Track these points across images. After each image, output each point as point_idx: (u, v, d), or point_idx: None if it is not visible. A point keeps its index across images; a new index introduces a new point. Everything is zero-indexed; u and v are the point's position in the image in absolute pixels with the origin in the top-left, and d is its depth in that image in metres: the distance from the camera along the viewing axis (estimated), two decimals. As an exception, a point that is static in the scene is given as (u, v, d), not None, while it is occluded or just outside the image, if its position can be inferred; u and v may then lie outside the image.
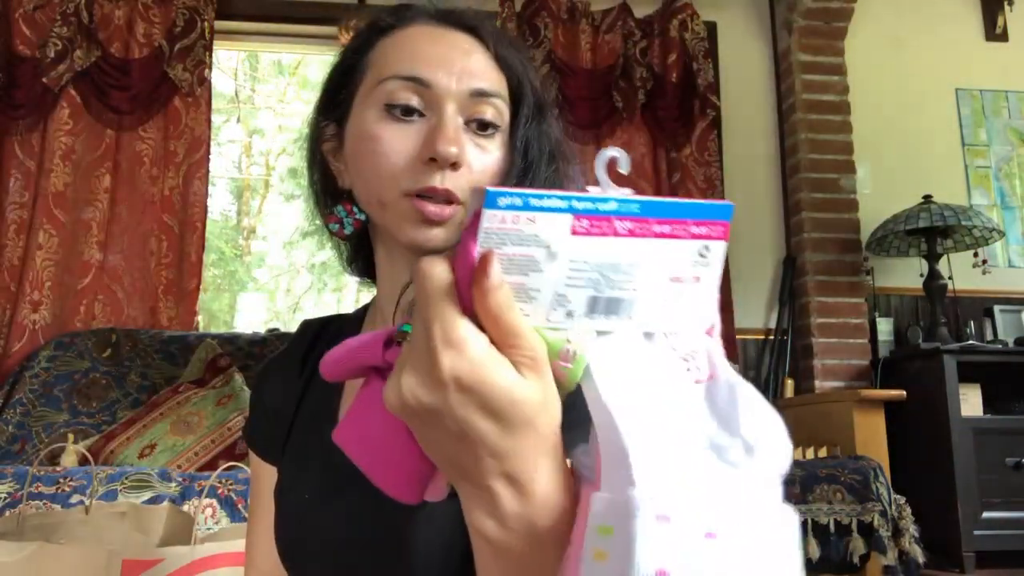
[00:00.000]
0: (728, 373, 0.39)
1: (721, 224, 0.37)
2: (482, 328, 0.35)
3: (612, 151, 0.38)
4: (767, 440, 0.36)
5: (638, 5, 3.25)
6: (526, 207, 0.34)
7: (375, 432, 0.41)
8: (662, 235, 0.36)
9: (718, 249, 0.37)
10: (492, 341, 0.35)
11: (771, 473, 0.36)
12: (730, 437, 0.36)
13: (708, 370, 0.39)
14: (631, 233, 0.36)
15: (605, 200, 0.35)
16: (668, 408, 0.36)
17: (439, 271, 0.35)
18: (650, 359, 0.38)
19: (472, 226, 0.35)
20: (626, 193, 0.36)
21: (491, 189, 0.34)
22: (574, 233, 0.35)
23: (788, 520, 0.34)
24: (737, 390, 0.38)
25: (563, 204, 0.34)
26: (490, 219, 0.34)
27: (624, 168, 0.38)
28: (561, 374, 0.37)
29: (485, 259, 0.34)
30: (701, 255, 0.37)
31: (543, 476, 0.37)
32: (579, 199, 0.35)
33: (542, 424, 0.36)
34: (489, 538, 0.38)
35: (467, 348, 0.34)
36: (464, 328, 0.34)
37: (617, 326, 0.38)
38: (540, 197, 0.34)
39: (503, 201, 0.34)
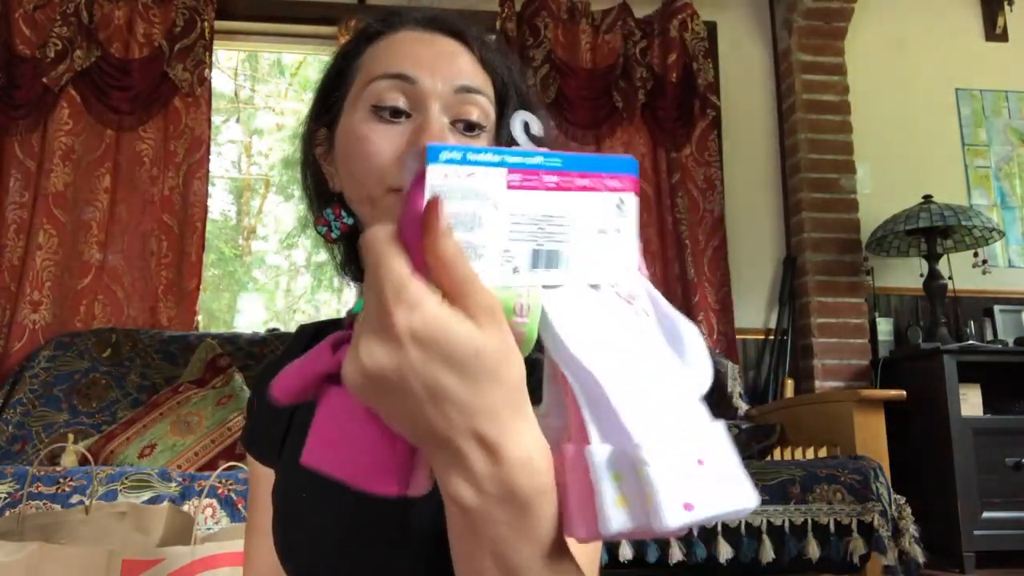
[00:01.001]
0: (667, 308, 0.42)
1: (630, 178, 0.40)
2: (435, 285, 0.35)
3: (523, 115, 0.40)
4: (706, 368, 0.40)
5: (638, 5, 3.25)
6: (464, 161, 0.36)
7: (343, 435, 0.41)
8: (584, 188, 0.39)
9: (631, 201, 0.41)
10: (445, 294, 0.34)
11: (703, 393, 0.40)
12: (683, 366, 0.39)
13: (652, 308, 0.42)
14: (558, 187, 0.38)
15: (532, 154, 0.38)
16: (630, 348, 0.39)
17: (383, 232, 0.35)
18: (602, 306, 0.40)
19: (415, 186, 0.36)
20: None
21: (432, 145, 0.35)
22: (510, 187, 0.37)
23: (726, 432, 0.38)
24: (679, 326, 0.41)
25: (497, 159, 0.37)
26: (433, 174, 0.35)
27: (535, 129, 0.41)
28: (519, 332, 0.37)
29: (434, 203, 0.34)
30: (618, 207, 0.40)
31: (515, 433, 0.36)
32: (511, 153, 0.37)
33: (507, 376, 0.35)
34: (466, 506, 0.36)
35: (421, 302, 0.33)
36: (416, 284, 0.34)
37: (561, 278, 0.39)
38: (476, 151, 0.36)
39: (444, 156, 0.35)
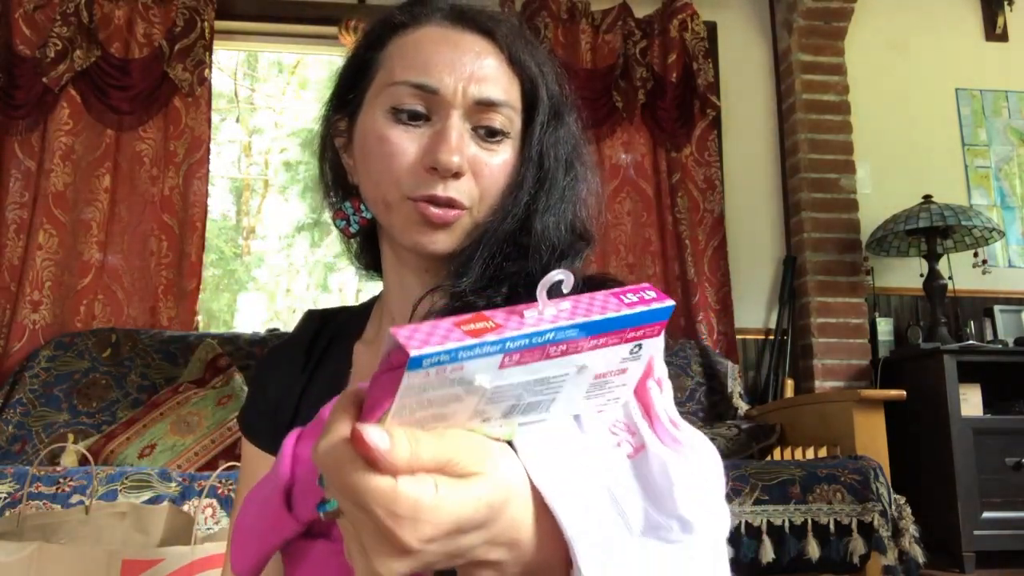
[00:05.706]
0: (655, 446, 0.38)
1: (659, 325, 0.35)
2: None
3: (557, 275, 0.36)
4: (705, 514, 0.37)
5: (638, 5, 3.25)
6: (454, 359, 0.31)
7: None
8: (596, 347, 0.35)
9: (649, 344, 0.36)
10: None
11: (715, 539, 0.38)
12: (666, 518, 0.37)
13: (636, 442, 0.39)
14: (563, 353, 0.34)
15: (542, 334, 0.33)
16: (599, 488, 0.37)
17: (340, 453, 0.32)
18: (577, 439, 0.38)
19: (387, 368, 0.32)
20: (564, 311, 0.34)
21: (414, 354, 0.30)
22: (503, 367, 0.33)
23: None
24: (669, 467, 0.37)
25: (495, 348, 0.32)
26: (412, 378, 0.31)
27: (567, 288, 0.36)
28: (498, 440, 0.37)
29: (359, 441, 0.31)
30: (632, 352, 0.36)
31: (528, 526, 0.37)
32: (513, 339, 0.32)
33: (514, 493, 0.36)
34: None
35: (420, 511, 0.32)
36: (403, 493, 0.32)
37: (535, 420, 0.37)
38: (471, 348, 0.31)
39: (428, 362, 0.31)
